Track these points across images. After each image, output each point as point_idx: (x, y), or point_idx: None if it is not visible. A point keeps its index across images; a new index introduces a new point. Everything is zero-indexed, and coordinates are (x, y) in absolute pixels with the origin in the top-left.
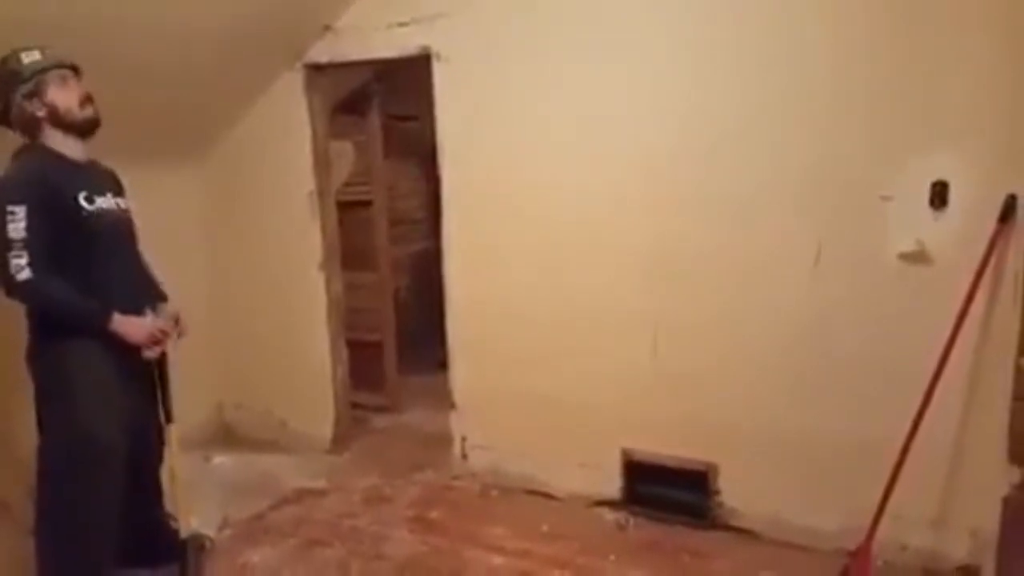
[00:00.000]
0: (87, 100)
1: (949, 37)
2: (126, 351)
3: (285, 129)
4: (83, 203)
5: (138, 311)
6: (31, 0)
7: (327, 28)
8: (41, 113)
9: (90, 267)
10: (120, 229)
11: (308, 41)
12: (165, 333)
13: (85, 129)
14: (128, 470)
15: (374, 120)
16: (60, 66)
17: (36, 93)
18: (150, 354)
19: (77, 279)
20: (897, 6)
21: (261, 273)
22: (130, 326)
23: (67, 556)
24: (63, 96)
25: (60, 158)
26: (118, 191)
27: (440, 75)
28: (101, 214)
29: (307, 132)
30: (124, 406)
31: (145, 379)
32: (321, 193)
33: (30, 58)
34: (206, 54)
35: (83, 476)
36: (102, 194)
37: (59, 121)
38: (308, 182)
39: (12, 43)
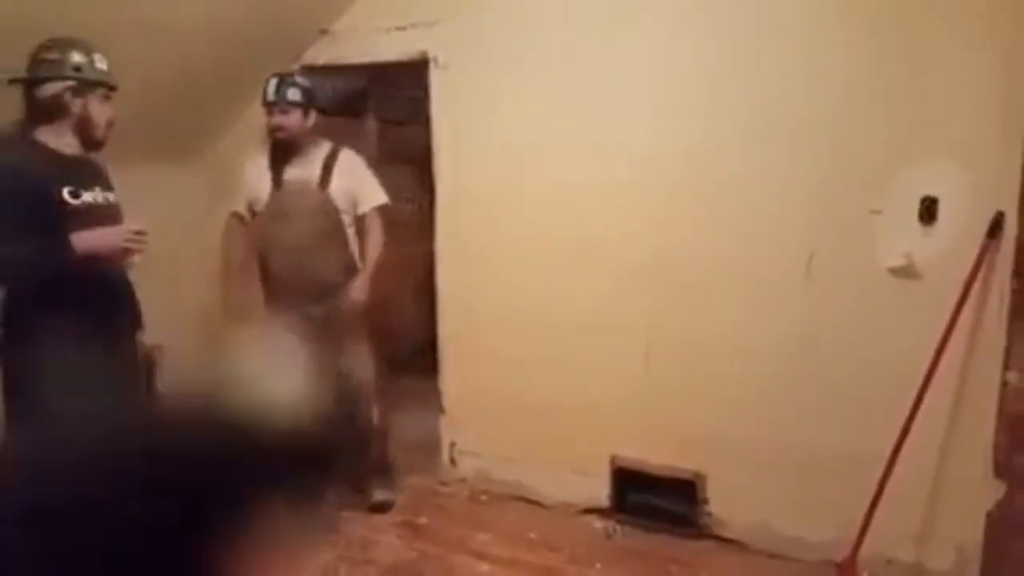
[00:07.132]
0: (110, 125)
1: (941, 55)
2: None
3: None
4: (68, 198)
5: (114, 308)
6: None
7: (324, 32)
8: (75, 109)
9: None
10: (107, 224)
11: (305, 43)
12: (141, 233)
13: (91, 146)
14: None
15: (369, 123)
16: (108, 84)
17: (81, 94)
18: (132, 246)
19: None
20: (892, 27)
21: None
22: (100, 237)
23: None
24: (98, 112)
25: (47, 152)
26: (106, 185)
27: (437, 80)
28: (88, 209)
29: None
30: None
31: (118, 383)
32: None
33: (101, 64)
34: (204, 55)
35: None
36: (89, 188)
37: (80, 128)
38: None
39: (13, 41)
